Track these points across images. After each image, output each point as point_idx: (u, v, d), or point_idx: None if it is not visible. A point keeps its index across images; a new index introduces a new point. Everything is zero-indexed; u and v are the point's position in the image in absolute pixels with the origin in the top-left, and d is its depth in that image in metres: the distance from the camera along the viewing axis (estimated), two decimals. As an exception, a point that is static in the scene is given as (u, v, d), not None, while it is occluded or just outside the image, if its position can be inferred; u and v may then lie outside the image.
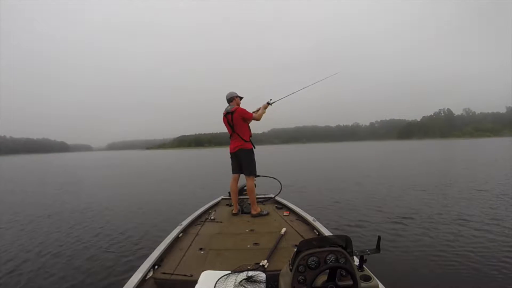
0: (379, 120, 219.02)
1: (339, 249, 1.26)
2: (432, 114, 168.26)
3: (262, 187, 3.53)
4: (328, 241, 1.30)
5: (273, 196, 3.98)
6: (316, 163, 20.19)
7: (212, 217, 3.11)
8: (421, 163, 15.22)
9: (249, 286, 1.45)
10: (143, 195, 8.72)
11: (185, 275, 1.79)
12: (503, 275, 2.79)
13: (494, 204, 5.37)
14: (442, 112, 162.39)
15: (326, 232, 2.38)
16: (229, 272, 1.55)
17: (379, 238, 1.38)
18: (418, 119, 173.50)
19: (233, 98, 3.39)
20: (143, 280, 1.76)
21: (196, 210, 3.38)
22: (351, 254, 1.29)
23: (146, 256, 2.04)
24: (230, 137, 3.41)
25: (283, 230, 2.50)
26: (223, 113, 3.37)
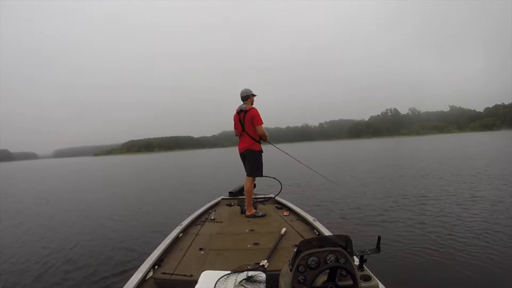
0: (328, 121, 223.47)
1: (339, 249, 1.26)
2: (380, 114, 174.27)
3: (262, 187, 3.53)
4: (328, 241, 1.30)
5: (273, 196, 3.98)
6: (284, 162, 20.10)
7: (212, 217, 3.11)
8: (405, 160, 15.18)
9: (249, 286, 1.45)
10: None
11: (185, 275, 1.79)
12: (504, 274, 2.79)
13: (496, 204, 5.37)
14: (389, 112, 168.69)
15: (326, 232, 2.38)
16: (229, 272, 1.55)
17: (379, 238, 1.38)
18: (366, 119, 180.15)
19: (248, 97, 3.31)
20: (143, 280, 1.76)
21: (196, 210, 3.38)
22: (351, 254, 1.29)
23: (146, 256, 2.04)
24: (239, 137, 3.36)
25: (283, 230, 2.50)
26: (236, 110, 3.31)
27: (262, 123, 3.22)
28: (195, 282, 1.50)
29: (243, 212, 3.34)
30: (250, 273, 1.53)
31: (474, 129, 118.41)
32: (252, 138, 3.22)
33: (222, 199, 4.07)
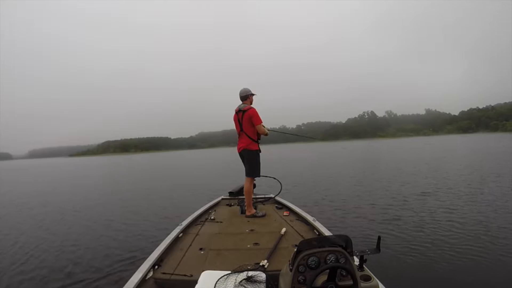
0: (305, 123, 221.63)
1: (339, 249, 1.26)
2: (357, 116, 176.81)
3: (262, 187, 3.53)
4: (328, 241, 1.30)
5: (273, 196, 3.98)
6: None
7: (212, 217, 3.11)
8: (399, 162, 15.27)
9: (249, 286, 1.45)
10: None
11: (185, 275, 1.79)
12: (504, 274, 2.79)
13: (496, 204, 5.37)
14: (366, 114, 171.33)
15: (326, 232, 2.38)
16: (229, 272, 1.55)
17: (379, 238, 1.38)
18: (343, 121, 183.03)
19: (247, 96, 3.29)
20: (143, 280, 1.76)
21: (196, 210, 3.38)
22: (351, 254, 1.29)
23: (146, 256, 2.04)
24: (238, 137, 3.36)
25: (283, 230, 2.50)
26: (235, 110, 3.31)
27: (260, 123, 3.21)
28: (195, 282, 1.50)
29: (243, 212, 3.34)
30: (250, 273, 1.53)
31: (450, 131, 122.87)
32: (250, 138, 3.23)
33: (222, 199, 4.07)
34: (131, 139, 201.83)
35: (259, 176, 3.31)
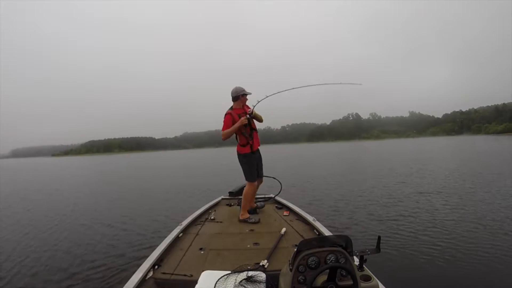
0: (290, 124, 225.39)
1: (339, 249, 1.26)
2: (341, 118, 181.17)
3: (262, 187, 3.53)
4: (328, 241, 1.30)
5: (273, 196, 3.97)
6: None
7: (212, 217, 3.10)
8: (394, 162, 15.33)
9: (249, 286, 1.45)
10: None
11: (185, 275, 1.79)
12: (503, 274, 2.79)
13: (494, 204, 5.37)
14: (350, 116, 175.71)
15: (326, 232, 2.38)
16: (229, 272, 1.55)
17: (379, 238, 1.38)
18: (328, 123, 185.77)
19: (238, 97, 2.99)
20: (143, 280, 1.76)
21: (196, 210, 3.38)
22: (351, 254, 1.29)
23: (146, 256, 2.04)
24: None
25: (283, 230, 2.50)
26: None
27: (223, 129, 2.92)
28: (195, 282, 1.50)
29: None
30: (250, 273, 1.53)
31: (434, 134, 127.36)
32: (238, 142, 3.08)
33: (222, 199, 4.07)
34: (114, 138, 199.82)
35: (252, 180, 3.07)
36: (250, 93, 3.03)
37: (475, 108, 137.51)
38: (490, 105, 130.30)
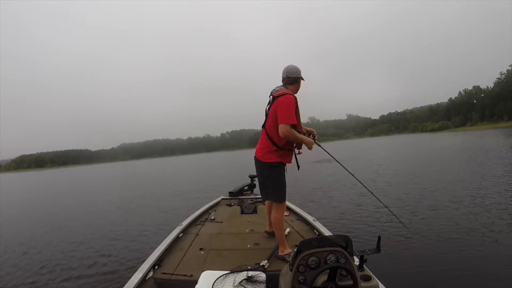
0: (229, 131, 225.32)
1: (339, 249, 1.26)
2: None
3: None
4: (328, 241, 1.30)
5: None
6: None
7: (212, 217, 3.10)
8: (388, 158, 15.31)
9: (249, 286, 1.45)
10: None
11: (185, 275, 1.79)
12: (503, 274, 2.79)
13: (492, 202, 5.37)
14: None
15: (326, 232, 2.38)
16: (229, 271, 1.55)
17: (379, 238, 1.38)
18: None
19: (297, 79, 2.14)
20: (143, 280, 1.76)
21: (196, 210, 3.38)
22: (351, 254, 1.29)
23: (146, 256, 2.04)
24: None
25: (287, 230, 2.50)
26: (270, 94, 2.15)
27: (289, 122, 1.94)
28: (195, 282, 1.50)
29: (243, 212, 3.34)
30: (250, 273, 1.53)
31: (372, 134, 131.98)
32: (271, 141, 2.08)
33: (222, 199, 4.07)
34: (47, 152, 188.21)
35: (283, 200, 2.14)
36: (304, 79, 2.22)
37: (409, 108, 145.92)
38: (424, 105, 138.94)
